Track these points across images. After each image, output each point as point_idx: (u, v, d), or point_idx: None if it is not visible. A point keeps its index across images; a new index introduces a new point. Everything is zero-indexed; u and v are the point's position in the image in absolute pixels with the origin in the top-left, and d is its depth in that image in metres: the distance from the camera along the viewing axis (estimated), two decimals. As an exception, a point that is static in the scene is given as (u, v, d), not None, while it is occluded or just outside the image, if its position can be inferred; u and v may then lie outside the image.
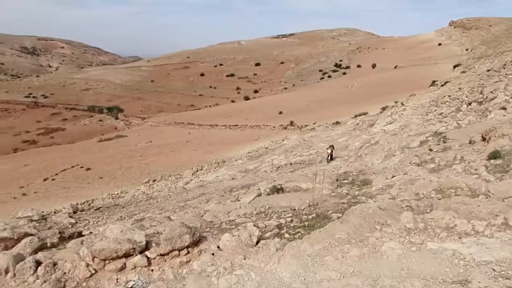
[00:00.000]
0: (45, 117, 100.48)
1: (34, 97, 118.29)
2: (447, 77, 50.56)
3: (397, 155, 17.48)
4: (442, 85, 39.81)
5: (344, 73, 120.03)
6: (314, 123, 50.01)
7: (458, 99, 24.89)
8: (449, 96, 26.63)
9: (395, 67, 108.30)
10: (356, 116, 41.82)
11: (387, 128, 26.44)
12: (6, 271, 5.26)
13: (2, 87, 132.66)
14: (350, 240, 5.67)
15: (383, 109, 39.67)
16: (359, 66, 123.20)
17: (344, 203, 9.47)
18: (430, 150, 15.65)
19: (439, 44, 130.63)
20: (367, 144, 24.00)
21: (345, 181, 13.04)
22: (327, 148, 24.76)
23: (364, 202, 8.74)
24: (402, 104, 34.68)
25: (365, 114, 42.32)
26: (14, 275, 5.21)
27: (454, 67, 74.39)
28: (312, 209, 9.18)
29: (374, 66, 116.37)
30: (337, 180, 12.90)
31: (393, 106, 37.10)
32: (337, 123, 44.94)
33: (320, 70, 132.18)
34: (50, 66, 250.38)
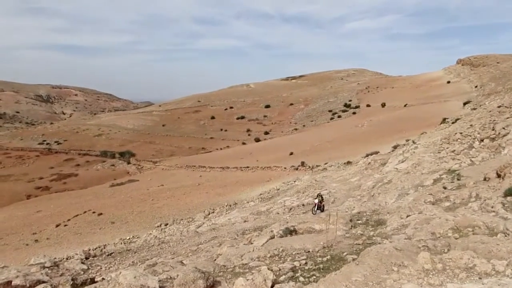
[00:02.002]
0: (58, 163, 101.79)
1: (47, 143, 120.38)
2: (458, 114, 50.58)
3: (411, 193, 17.25)
4: (453, 122, 39.78)
5: (354, 113, 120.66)
6: (326, 163, 49.86)
7: (470, 136, 24.77)
8: (461, 133, 26.53)
9: (405, 106, 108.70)
10: (367, 155, 41.65)
11: (399, 167, 26.25)
12: (19, 320, 5.18)
13: (17, 135, 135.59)
14: (367, 283, 5.54)
15: (395, 147, 39.53)
16: (368, 105, 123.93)
17: (359, 244, 9.30)
18: (444, 188, 15.44)
19: (448, 82, 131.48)
20: (380, 183, 23.77)
21: (359, 221, 12.86)
22: (315, 198, 22.58)
23: (380, 243, 8.58)
24: (413, 142, 34.58)
25: (376, 153, 42.17)
26: (27, 325, 5.12)
27: (464, 104, 74.51)
28: (327, 251, 9.02)
29: (383, 105, 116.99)
30: (351, 220, 12.73)
31: (404, 145, 36.98)
32: (349, 162, 44.73)
33: (330, 111, 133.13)
34: (63, 113, 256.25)
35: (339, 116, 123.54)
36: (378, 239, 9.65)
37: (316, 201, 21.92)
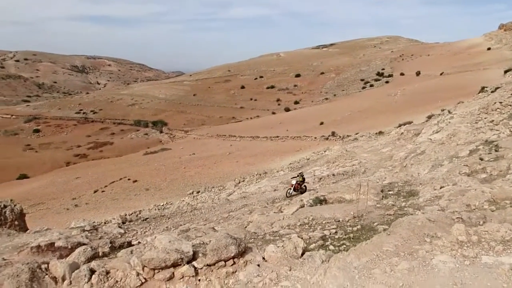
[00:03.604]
0: (94, 132, 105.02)
1: (84, 113, 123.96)
2: (498, 83, 48.37)
3: (445, 165, 16.84)
4: (492, 91, 38.15)
5: (387, 82, 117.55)
6: (357, 133, 49.20)
7: (510, 105, 23.74)
8: (501, 102, 25.43)
9: (441, 74, 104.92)
10: (400, 126, 40.80)
11: (433, 137, 25.58)
12: (63, 279, 5.47)
13: (55, 105, 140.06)
14: (398, 253, 5.52)
15: (429, 117, 38.49)
16: (402, 74, 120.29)
17: (390, 214, 9.24)
18: (481, 159, 14.98)
19: (488, 49, 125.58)
20: (413, 154, 23.30)
21: (390, 192, 12.72)
22: (294, 177, 19.75)
23: (412, 214, 8.49)
24: (449, 112, 33.49)
25: (409, 123, 41.24)
26: (70, 283, 5.41)
27: (505, 72, 71.01)
28: (357, 220, 9.02)
29: (418, 73, 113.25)
30: (382, 191, 12.61)
31: (439, 115, 35.88)
32: (380, 133, 44.00)
33: (362, 80, 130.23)
34: (98, 83, 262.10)
35: (371, 85, 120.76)
36: (410, 210, 9.54)
37: (294, 181, 19.17)
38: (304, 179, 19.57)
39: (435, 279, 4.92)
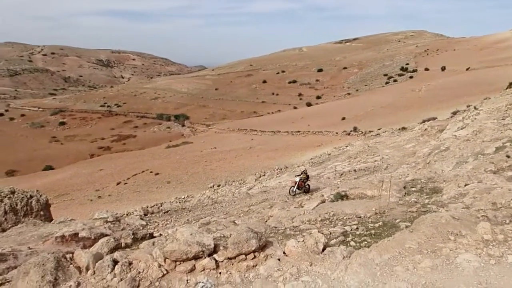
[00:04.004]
0: (118, 125, 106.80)
1: (108, 106, 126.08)
2: (527, 79, 46.93)
3: (470, 162, 16.48)
4: (520, 87, 37.04)
5: (411, 77, 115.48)
6: (379, 129, 48.59)
7: (539, 102, 23.03)
8: (529, 99, 24.69)
9: (467, 69, 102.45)
10: (424, 121, 40.11)
11: (458, 134, 25.04)
12: (87, 268, 5.58)
13: (80, 98, 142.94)
14: (421, 250, 5.45)
15: (454, 113, 37.71)
16: (427, 69, 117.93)
17: (413, 211, 9.10)
18: (508, 156, 14.60)
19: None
20: (437, 150, 22.87)
21: (413, 188, 12.52)
22: (298, 175, 19.10)
23: (435, 211, 8.35)
24: (475, 108, 32.69)
25: (434, 119, 40.51)
26: (94, 272, 5.52)
27: (534, 67, 68.86)
28: (379, 217, 8.92)
29: (443, 68, 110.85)
30: (404, 187, 12.43)
31: (465, 111, 35.10)
32: (404, 128, 43.35)
33: (385, 75, 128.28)
34: (122, 77, 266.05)
35: (395, 80, 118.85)
36: (433, 207, 9.38)
37: (297, 179, 18.50)
38: (308, 177, 19.06)
39: (459, 278, 4.84)
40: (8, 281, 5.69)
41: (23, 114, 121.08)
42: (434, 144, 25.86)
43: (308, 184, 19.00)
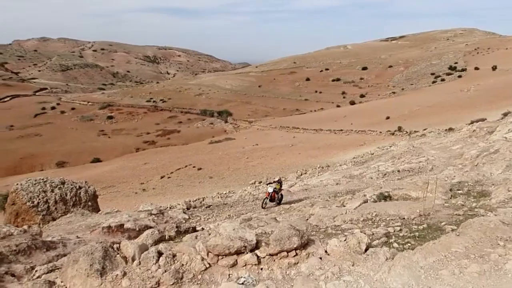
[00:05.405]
0: (163, 120, 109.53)
1: (154, 101, 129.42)
2: None
3: (523, 165, 15.72)
4: None
5: (460, 76, 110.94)
6: (425, 129, 47.10)
7: None
8: None
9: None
10: (472, 122, 38.55)
11: (509, 136, 23.88)
12: (133, 259, 5.76)
13: (127, 93, 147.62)
14: (468, 255, 5.29)
15: (505, 115, 35.99)
16: (477, 68, 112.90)
17: (459, 215, 8.82)
18: None
19: None
20: (485, 152, 21.90)
21: (459, 191, 12.10)
22: (270, 184, 17.20)
23: (483, 215, 8.05)
24: (530, 109, 31.06)
25: (483, 120, 38.86)
26: (139, 263, 5.70)
27: None
28: (423, 219, 8.70)
29: (494, 68, 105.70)
30: (450, 190, 12.04)
31: (518, 112, 33.41)
32: (451, 129, 41.83)
33: (432, 73, 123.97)
34: (168, 73, 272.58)
35: (442, 80, 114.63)
36: (481, 211, 9.04)
37: (270, 190, 16.42)
38: (281, 186, 17.22)
39: (508, 285, 4.67)
40: (58, 268, 5.92)
41: (74, 108, 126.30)
42: (482, 146, 24.79)
43: (281, 194, 17.06)
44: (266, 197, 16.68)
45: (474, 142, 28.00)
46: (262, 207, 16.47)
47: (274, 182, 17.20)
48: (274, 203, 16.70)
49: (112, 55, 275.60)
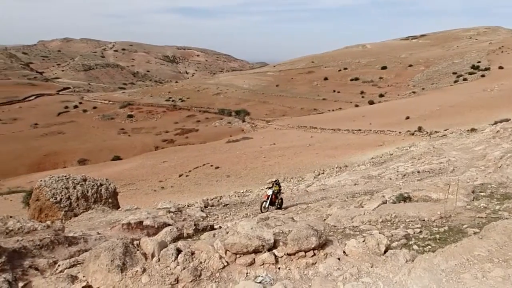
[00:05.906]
0: (181, 119, 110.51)
1: (172, 100, 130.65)
2: None
3: (549, 168, 15.31)
4: None
5: (483, 76, 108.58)
6: (446, 130, 46.34)
7: None
8: None
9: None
10: (496, 123, 37.71)
11: (536, 137, 23.32)
12: (152, 255, 5.82)
13: (148, 92, 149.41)
14: (492, 259, 5.18)
15: (531, 115, 35.09)
16: (501, 67, 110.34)
17: (482, 217, 8.64)
18: None
19: None
20: (509, 154, 21.42)
21: (482, 193, 11.86)
22: (268, 187, 16.72)
23: (507, 218, 7.88)
24: (556, 110, 30.23)
25: (507, 120, 37.93)
26: (159, 260, 5.75)
27: None
28: (444, 221, 8.56)
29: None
30: (473, 192, 11.80)
31: (544, 112, 32.55)
32: (473, 130, 41.05)
33: (454, 73, 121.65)
34: (187, 73, 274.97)
35: (464, 79, 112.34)
36: (505, 214, 8.84)
37: (269, 192, 15.89)
38: (280, 188, 16.61)
39: (533, 291, 4.56)
40: (80, 263, 6.03)
41: (95, 107, 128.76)
42: (506, 147, 24.27)
43: (281, 198, 16.53)
44: (265, 200, 16.05)
45: (498, 143, 27.43)
46: (261, 211, 15.69)
47: (272, 183, 16.66)
48: (274, 207, 16.10)
49: (133, 55, 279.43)
